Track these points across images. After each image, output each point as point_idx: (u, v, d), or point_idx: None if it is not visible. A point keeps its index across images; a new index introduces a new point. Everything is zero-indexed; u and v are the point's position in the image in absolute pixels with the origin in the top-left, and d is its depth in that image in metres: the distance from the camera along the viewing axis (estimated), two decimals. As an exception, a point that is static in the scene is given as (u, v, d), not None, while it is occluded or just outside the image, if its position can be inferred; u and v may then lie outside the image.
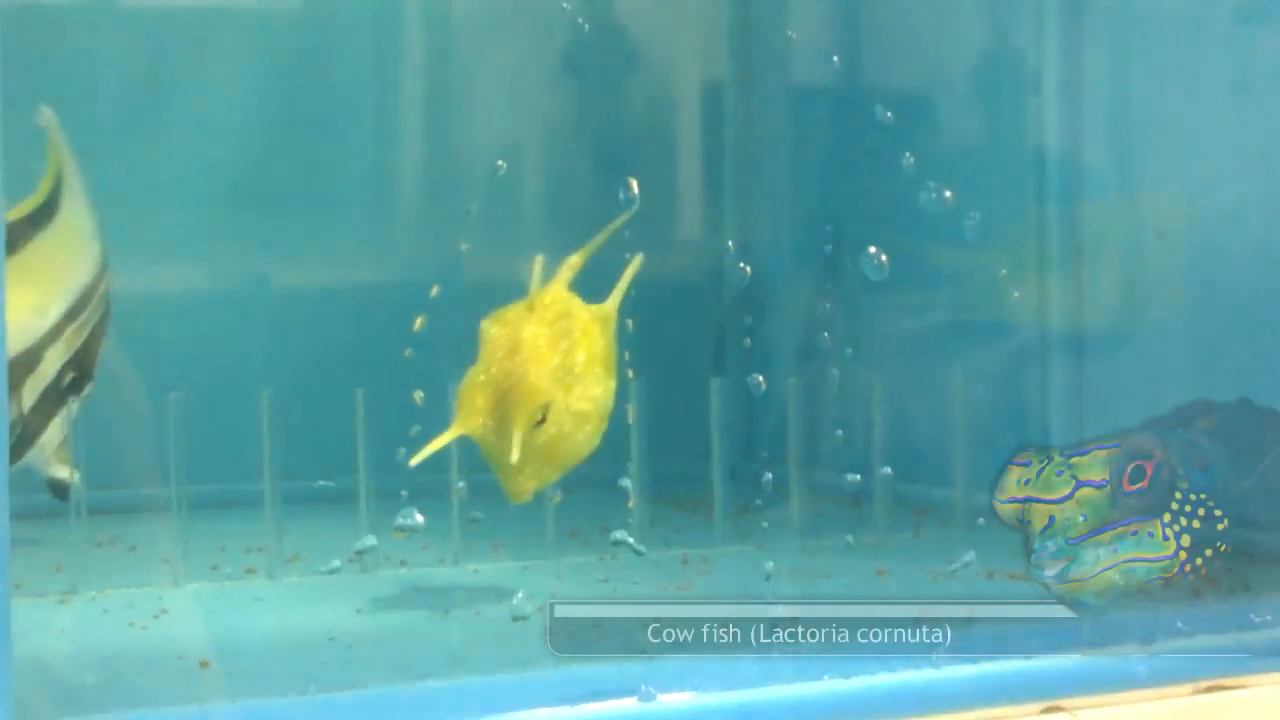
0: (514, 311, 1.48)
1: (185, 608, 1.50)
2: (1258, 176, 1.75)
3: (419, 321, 1.61)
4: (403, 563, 1.67)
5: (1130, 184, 1.91)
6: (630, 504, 1.57)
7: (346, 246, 2.14)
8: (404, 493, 1.45)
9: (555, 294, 1.51)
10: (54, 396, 1.68)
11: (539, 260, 1.55)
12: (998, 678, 1.23)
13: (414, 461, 1.40)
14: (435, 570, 1.65)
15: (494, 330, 1.46)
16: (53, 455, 1.70)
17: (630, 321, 1.47)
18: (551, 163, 2.24)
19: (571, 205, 2.16)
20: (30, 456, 1.66)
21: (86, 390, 1.70)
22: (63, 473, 1.70)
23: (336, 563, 1.58)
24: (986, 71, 2.03)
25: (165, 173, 2.01)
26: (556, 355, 1.44)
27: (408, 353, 1.59)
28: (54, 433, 1.69)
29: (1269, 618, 1.32)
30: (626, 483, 1.51)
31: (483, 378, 1.43)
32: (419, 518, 1.41)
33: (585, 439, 1.48)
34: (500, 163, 2.02)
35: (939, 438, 1.88)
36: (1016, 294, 1.89)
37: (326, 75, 2.16)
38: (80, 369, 1.69)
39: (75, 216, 1.73)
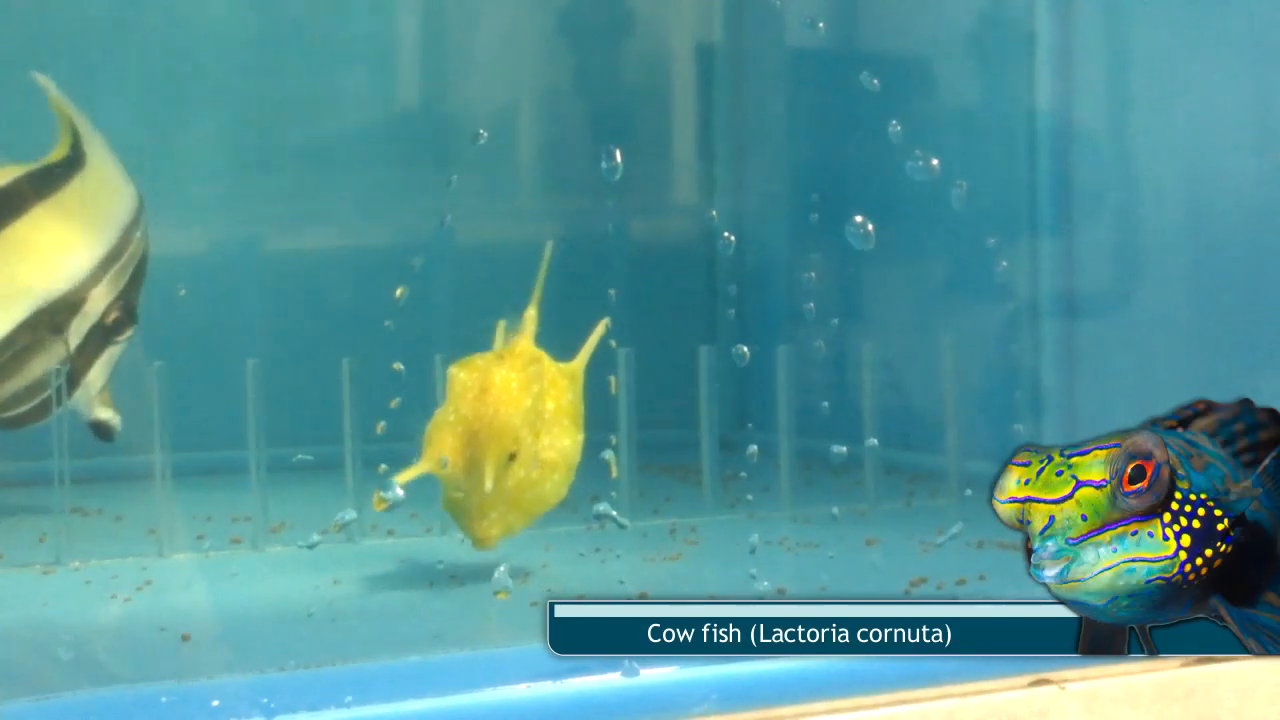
0: (483, 359, 1.48)
1: (169, 579, 1.49)
2: (1253, 139, 1.74)
3: (400, 291, 1.60)
4: (390, 532, 1.66)
5: (1124, 148, 1.90)
6: (613, 476, 1.56)
7: (332, 213, 2.13)
8: (383, 467, 1.44)
9: (525, 345, 1.51)
10: (99, 337, 1.70)
11: (502, 324, 1.55)
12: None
13: (399, 479, 1.40)
14: (422, 540, 1.64)
15: (463, 374, 1.45)
16: (96, 397, 1.72)
17: (613, 292, 1.46)
18: (539, 132, 2.23)
19: (558, 175, 2.15)
20: (75, 398, 1.67)
21: (129, 332, 1.71)
22: (106, 414, 1.73)
23: (316, 537, 1.57)
24: (978, 35, 2.02)
25: (151, 138, 2.00)
26: (527, 399, 1.44)
27: (388, 324, 1.58)
28: (98, 374, 1.71)
29: (1260, 589, 1.32)
30: (608, 455, 1.50)
31: (452, 418, 1.43)
32: (400, 490, 1.40)
33: (552, 489, 1.48)
34: (481, 132, 2.01)
35: (931, 405, 1.87)
36: (1005, 263, 1.88)
37: (317, 40, 2.14)
38: (123, 310, 1.70)
39: (103, 162, 1.75)
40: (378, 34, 2.18)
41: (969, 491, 1.80)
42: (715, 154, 2.24)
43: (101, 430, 1.73)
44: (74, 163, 1.74)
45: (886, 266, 2.01)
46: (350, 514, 1.57)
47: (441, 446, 1.40)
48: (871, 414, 1.78)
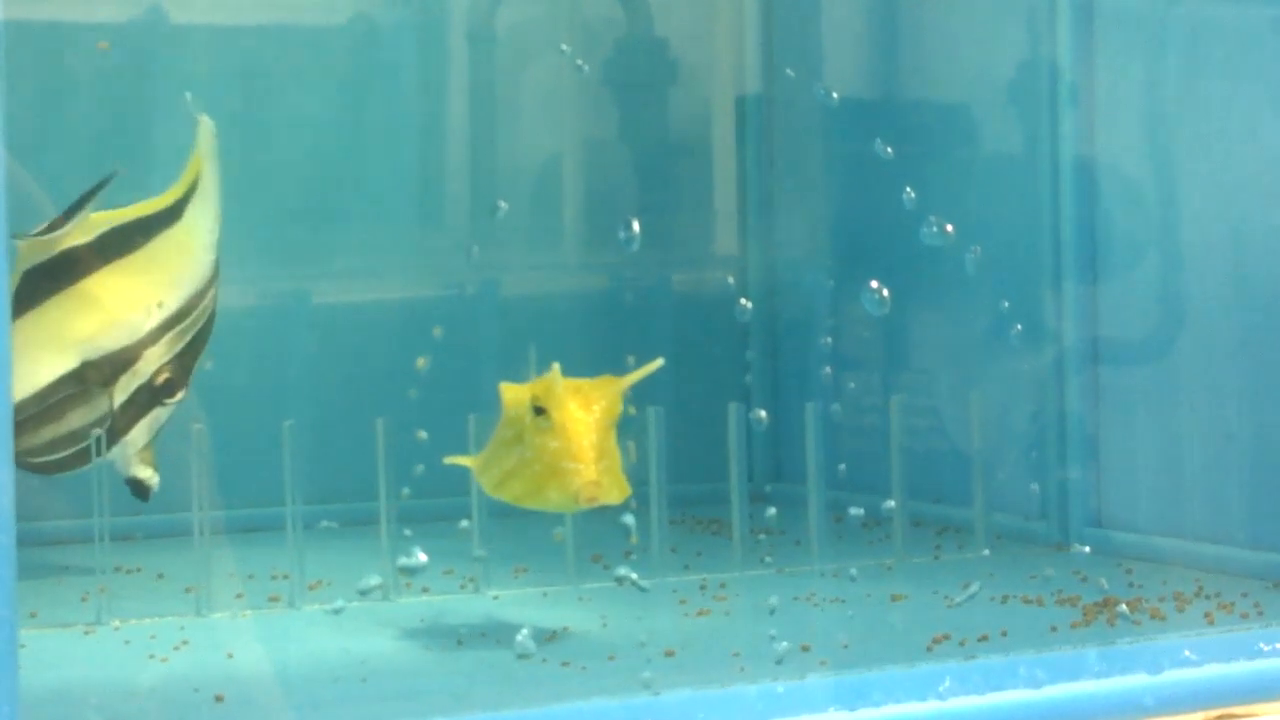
0: None
1: (206, 638, 1.51)
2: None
3: (421, 362, 1.62)
4: (425, 589, 1.67)
5: (1152, 194, 1.90)
6: (632, 540, 1.57)
7: (371, 272, 2.15)
8: (408, 532, 1.45)
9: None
10: (145, 397, 1.71)
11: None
12: (1003, 709, 1.24)
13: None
14: (456, 597, 1.66)
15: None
16: (136, 455, 1.73)
17: (631, 358, 1.47)
18: (565, 196, 2.24)
19: (592, 228, 2.17)
20: (114, 453, 1.69)
21: (179, 396, 1.73)
22: (144, 474, 1.73)
23: (340, 603, 1.59)
24: (1007, 82, 2.03)
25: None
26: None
27: (412, 393, 1.59)
28: (140, 433, 1.72)
29: (1279, 645, 1.32)
30: (629, 520, 1.52)
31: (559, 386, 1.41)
32: (422, 557, 1.41)
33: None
34: (501, 203, 2.02)
35: (958, 458, 1.88)
36: (1031, 313, 1.89)
37: (356, 95, 2.17)
38: (174, 373, 1.72)
39: (200, 224, 1.76)
40: (421, 90, 2.21)
41: (986, 551, 1.82)
42: (747, 205, 2.26)
43: (137, 488, 1.75)
44: (168, 218, 1.76)
45: (916, 316, 2.03)
46: (374, 579, 1.58)
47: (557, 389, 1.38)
48: (899, 468, 1.79)
